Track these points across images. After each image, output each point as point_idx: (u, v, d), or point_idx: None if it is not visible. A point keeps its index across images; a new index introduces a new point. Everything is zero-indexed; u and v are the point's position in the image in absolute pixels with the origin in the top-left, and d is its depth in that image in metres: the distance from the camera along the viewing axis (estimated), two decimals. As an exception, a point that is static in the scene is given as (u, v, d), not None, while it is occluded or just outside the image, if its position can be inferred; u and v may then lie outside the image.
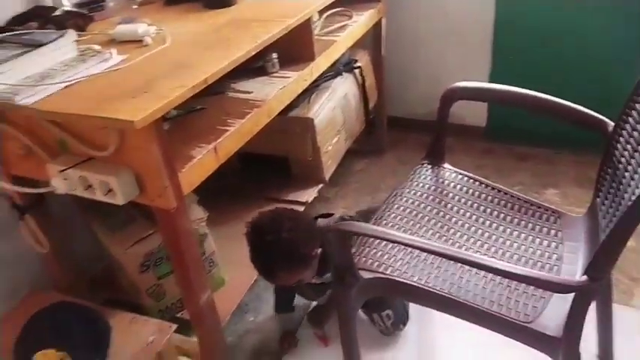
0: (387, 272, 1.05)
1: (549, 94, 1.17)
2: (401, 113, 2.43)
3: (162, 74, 0.99)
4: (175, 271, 1.11)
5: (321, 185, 1.81)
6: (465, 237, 1.18)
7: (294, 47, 1.48)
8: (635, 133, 0.97)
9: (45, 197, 1.26)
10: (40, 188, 1.11)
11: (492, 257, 1.11)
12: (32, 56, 1.00)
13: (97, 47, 1.11)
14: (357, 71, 1.99)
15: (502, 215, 1.23)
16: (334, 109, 1.81)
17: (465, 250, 1.14)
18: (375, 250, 1.11)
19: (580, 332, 0.82)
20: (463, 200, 1.28)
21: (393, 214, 1.23)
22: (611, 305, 1.20)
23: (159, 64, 1.05)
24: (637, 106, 1.00)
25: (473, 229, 1.20)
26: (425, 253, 1.10)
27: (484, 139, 2.36)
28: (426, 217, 1.23)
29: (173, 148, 1.07)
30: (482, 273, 1.05)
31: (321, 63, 1.56)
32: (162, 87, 0.93)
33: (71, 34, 1.08)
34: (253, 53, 1.11)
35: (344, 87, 1.90)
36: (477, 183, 1.32)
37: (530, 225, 1.20)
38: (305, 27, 1.43)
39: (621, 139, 1.03)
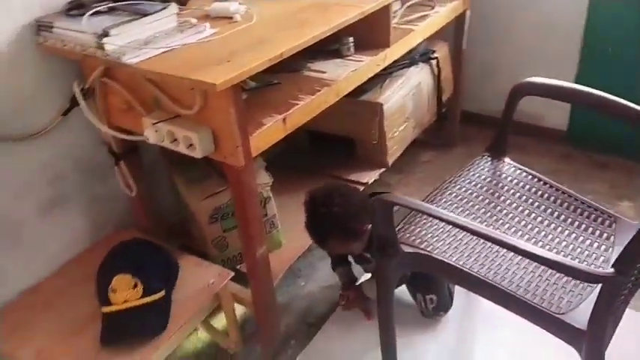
0: (428, 249, 1.12)
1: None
2: (476, 109, 2.42)
3: (244, 47, 1.11)
4: (238, 224, 1.25)
5: (383, 169, 1.87)
6: (513, 229, 1.21)
7: (370, 33, 1.55)
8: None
9: (138, 148, 1.45)
10: (135, 138, 1.28)
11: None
12: (138, 23, 1.16)
13: (193, 20, 1.25)
14: (433, 62, 2.02)
15: (556, 213, 1.24)
16: (405, 97, 1.87)
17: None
18: (419, 229, 1.18)
19: (604, 326, 0.84)
20: (518, 194, 1.30)
21: (444, 200, 1.29)
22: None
23: (243, 38, 1.17)
24: None
25: (523, 223, 1.22)
26: (467, 238, 1.15)
27: (564, 144, 2.29)
28: (476, 206, 1.27)
29: (248, 114, 1.21)
30: (523, 263, 1.09)
31: (396, 50, 1.62)
32: (242, 58, 1.05)
33: (173, 7, 1.23)
34: (327, 35, 1.20)
35: (418, 76, 1.95)
36: (535, 179, 1.33)
37: (583, 226, 1.20)
38: (383, 14, 1.50)
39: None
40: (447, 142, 2.38)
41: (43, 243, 1.40)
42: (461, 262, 1.08)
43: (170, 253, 1.40)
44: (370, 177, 1.84)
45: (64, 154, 1.39)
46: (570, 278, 1.01)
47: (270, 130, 1.19)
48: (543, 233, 1.19)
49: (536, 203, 1.27)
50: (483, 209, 1.26)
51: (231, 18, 1.30)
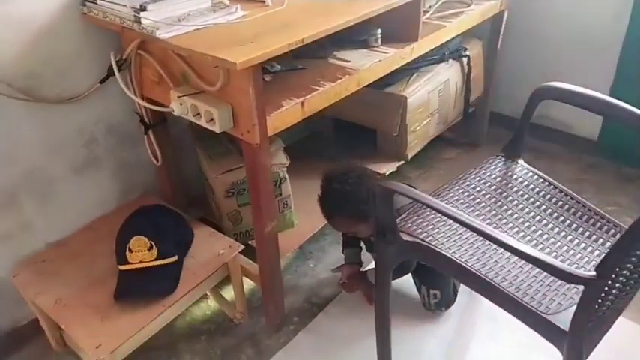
0: (426, 240, 1.15)
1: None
2: (506, 111, 2.40)
3: (269, 30, 1.17)
4: (251, 199, 1.31)
5: (402, 162, 1.90)
6: (516, 230, 1.22)
7: (399, 26, 1.58)
8: None
9: (167, 120, 1.54)
10: (163, 109, 1.36)
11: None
12: (174, 1, 1.23)
13: (226, 2, 1.31)
14: (464, 60, 2.02)
15: (561, 218, 1.24)
16: (431, 93, 1.88)
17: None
18: (422, 220, 1.21)
19: (583, 328, 0.86)
20: (526, 196, 1.31)
21: (451, 195, 1.31)
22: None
23: (270, 22, 1.23)
24: None
25: (526, 224, 1.24)
26: (468, 233, 1.17)
27: (592, 154, 2.25)
28: (482, 204, 1.29)
29: (268, 95, 1.26)
30: (520, 262, 1.11)
31: (424, 45, 1.64)
32: (265, 40, 1.10)
33: (208, -12, 1.29)
34: (350, 24, 1.24)
35: (447, 73, 1.95)
36: (547, 183, 1.34)
37: (587, 233, 1.20)
38: (413, 8, 1.52)
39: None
40: (472, 141, 2.38)
41: (73, 200, 1.51)
42: (457, 255, 1.11)
43: (187, 222, 1.48)
44: (388, 169, 1.87)
45: (98, 120, 1.49)
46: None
47: (288, 112, 1.24)
48: (545, 236, 1.20)
49: (543, 206, 1.28)
50: (488, 207, 1.28)
51: (262, 2, 1.36)
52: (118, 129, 1.54)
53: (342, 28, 1.22)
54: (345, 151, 2.01)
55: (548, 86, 1.32)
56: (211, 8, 1.28)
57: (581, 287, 0.86)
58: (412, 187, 1.61)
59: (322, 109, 1.36)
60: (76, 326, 1.21)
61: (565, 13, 2.09)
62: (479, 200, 1.30)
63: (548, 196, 1.31)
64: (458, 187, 1.34)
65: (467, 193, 1.32)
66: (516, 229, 1.23)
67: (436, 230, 1.19)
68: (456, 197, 1.31)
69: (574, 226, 1.22)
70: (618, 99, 1.17)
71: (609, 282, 0.80)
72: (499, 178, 1.36)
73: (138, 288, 1.28)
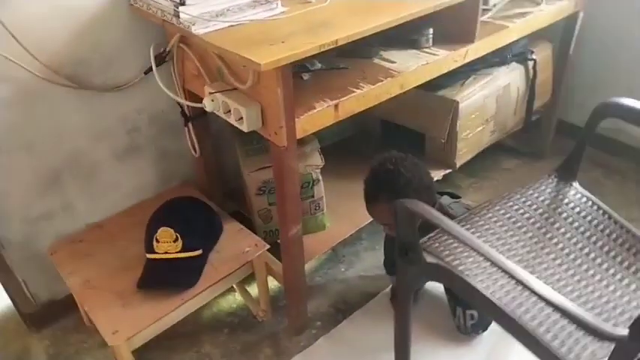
0: (452, 263, 1.06)
1: None
2: (577, 121, 2.19)
3: (304, 29, 1.12)
4: (277, 200, 1.28)
5: (449, 170, 1.80)
6: (559, 260, 1.11)
7: (454, 26, 1.47)
8: None
9: (206, 113, 1.53)
10: (196, 105, 1.36)
11: (576, 289, 1.03)
12: (215, -5, 1.21)
13: (268, -4, 1.28)
14: (529, 64, 1.86)
15: (612, 253, 1.11)
16: (487, 98, 1.75)
17: (551, 272, 1.08)
18: (452, 241, 1.12)
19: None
20: (576, 224, 1.18)
21: (490, 215, 1.21)
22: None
23: (308, 20, 1.17)
24: None
25: (571, 256, 1.11)
26: (497, 248, 1.07)
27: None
28: (524, 228, 1.17)
29: (302, 95, 1.22)
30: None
31: (481, 47, 1.52)
32: (297, 40, 1.06)
33: (250, -18, 1.26)
34: (392, 25, 1.16)
35: (508, 77, 1.81)
36: (601, 212, 1.20)
37: (639, 274, 1.06)
38: (470, 7, 1.41)
39: None
40: (536, 151, 2.21)
41: (114, 185, 1.55)
42: (484, 284, 1.02)
43: (217, 216, 1.49)
44: (434, 176, 1.76)
45: (142, 109, 1.52)
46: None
47: (320, 115, 1.19)
48: (591, 272, 1.07)
49: (594, 237, 1.14)
50: (531, 233, 1.17)
51: (306, -3, 1.31)
52: (161, 119, 1.57)
53: (381, 29, 1.15)
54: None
55: (612, 103, 1.17)
56: (252, 3, 1.25)
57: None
58: (457, 197, 1.54)
59: (366, 109, 1.30)
60: (97, 310, 1.25)
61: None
62: (521, 224, 1.19)
63: (602, 226, 1.17)
64: (499, 208, 1.23)
65: (508, 215, 1.21)
66: (558, 261, 1.11)
67: (466, 253, 1.10)
68: (495, 218, 1.20)
69: (626, 263, 1.08)
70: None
71: (646, 346, 0.69)
72: (548, 201, 1.24)
73: (160, 278, 1.30)
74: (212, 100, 1.22)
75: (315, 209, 1.55)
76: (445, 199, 1.45)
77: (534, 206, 1.22)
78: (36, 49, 1.24)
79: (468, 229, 1.16)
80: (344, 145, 2.02)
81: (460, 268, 1.06)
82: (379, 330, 1.51)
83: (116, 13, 1.35)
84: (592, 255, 1.11)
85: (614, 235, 1.14)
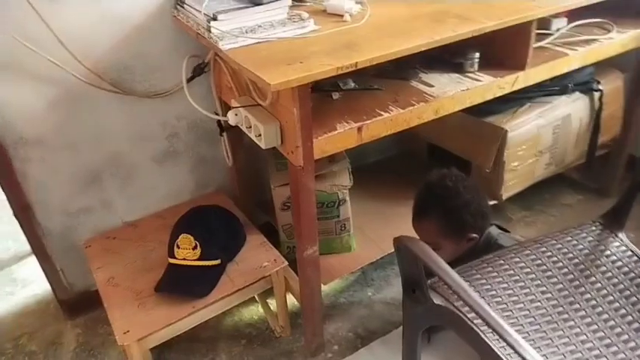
0: (463, 309, 0.98)
1: None
2: (650, 158, 1.98)
3: (328, 50, 1.09)
4: (293, 219, 1.26)
5: (494, 202, 1.68)
6: (588, 319, 0.99)
7: (503, 50, 1.38)
8: None
9: (242, 124, 1.55)
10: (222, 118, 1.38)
11: (603, 355, 0.92)
12: (248, 12, 1.22)
13: (304, 15, 1.26)
14: (595, 94, 1.70)
15: (652, 319, 0.97)
16: (542, 128, 1.62)
17: (576, 332, 0.96)
18: (467, 280, 1.04)
19: None
20: (614, 281, 1.05)
21: (517, 259, 1.10)
22: None
23: (335, 40, 1.14)
24: None
25: (604, 316, 0.99)
26: (524, 309, 0.98)
27: None
28: (554, 279, 1.06)
29: (326, 115, 1.20)
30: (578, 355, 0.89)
31: (534, 75, 1.41)
32: (315, 61, 1.03)
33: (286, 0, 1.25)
34: (422, 49, 1.10)
35: (569, 108, 1.66)
36: (646, 270, 1.06)
37: (683, 347, 0.92)
38: (520, 32, 1.31)
39: None
40: (602, 188, 2.01)
41: (150, 187, 1.62)
42: (493, 337, 0.93)
43: (241, 227, 1.49)
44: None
45: (181, 116, 1.57)
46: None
47: (341, 137, 1.16)
48: (624, 337, 0.95)
49: (633, 298, 1.01)
50: (561, 285, 1.05)
51: (342, 16, 1.28)
52: (199, 126, 1.61)
53: (407, 54, 1.09)
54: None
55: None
56: (284, 21, 1.24)
57: None
58: (504, 230, 1.43)
59: (409, 130, 1.26)
60: (114, 308, 1.29)
61: None
62: (551, 274, 1.08)
63: (645, 286, 1.03)
64: (529, 252, 1.12)
65: (538, 262, 1.10)
66: (587, 319, 0.99)
67: (485, 297, 1.01)
68: (523, 264, 1.10)
69: (667, 334, 0.94)
70: None
71: None
72: (586, 251, 1.11)
73: (176, 284, 1.32)
74: (235, 115, 1.23)
75: (341, 230, 1.52)
76: (494, 230, 1.37)
77: (570, 255, 1.11)
78: (82, 54, 1.32)
79: (488, 273, 1.07)
80: (386, 164, 1.96)
81: (471, 315, 0.98)
82: (396, 363, 1.44)
83: (160, 24, 1.41)
84: (628, 318, 0.99)
85: (657, 299, 1.00)
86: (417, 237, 1.31)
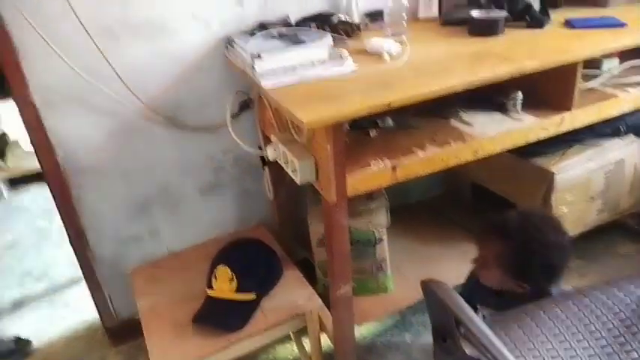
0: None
1: None
2: None
3: (363, 89, 1.11)
4: (327, 257, 1.26)
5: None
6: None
7: (548, 91, 1.35)
8: None
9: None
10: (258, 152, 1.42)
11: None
12: (292, 50, 1.26)
13: (345, 53, 1.29)
14: (653, 138, 1.61)
15: None
16: (593, 172, 1.55)
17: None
18: (504, 330, 0.99)
19: None
20: (667, 339, 0.96)
21: (559, 311, 1.04)
22: None
23: (371, 79, 1.17)
24: None
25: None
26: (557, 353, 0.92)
27: None
28: (597, 334, 0.99)
29: (362, 152, 1.21)
30: None
31: (581, 117, 1.36)
32: (350, 100, 1.05)
33: (327, 39, 1.29)
34: (457, 90, 1.10)
35: (622, 152, 1.58)
36: None
37: None
38: (566, 73, 1.28)
39: None
40: (665, 237, 1.88)
41: (196, 217, 1.68)
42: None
43: (279, 262, 1.50)
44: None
45: (228, 149, 1.63)
46: None
47: (374, 175, 1.16)
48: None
49: (687, 361, 0.92)
50: (604, 341, 0.98)
51: (381, 56, 1.31)
52: (245, 160, 1.67)
53: (442, 94, 1.09)
54: (475, 220, 1.79)
55: None
56: (324, 60, 1.28)
57: None
58: None
59: (451, 169, 1.24)
60: (153, 337, 1.33)
61: None
62: (594, 329, 1.01)
63: (702, 348, 0.94)
64: (573, 304, 1.06)
65: (580, 315, 1.03)
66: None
67: (521, 348, 0.95)
68: (564, 317, 1.03)
69: None
70: None
71: None
72: (634, 306, 1.03)
73: (211, 317, 1.34)
74: (274, 150, 1.27)
75: (377, 270, 1.49)
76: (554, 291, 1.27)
77: (616, 309, 1.03)
78: (139, 90, 1.42)
79: (527, 326, 1.01)
80: (428, 204, 1.93)
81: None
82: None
83: (212, 62, 1.49)
84: (681, 381, 0.90)
85: None
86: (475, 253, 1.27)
